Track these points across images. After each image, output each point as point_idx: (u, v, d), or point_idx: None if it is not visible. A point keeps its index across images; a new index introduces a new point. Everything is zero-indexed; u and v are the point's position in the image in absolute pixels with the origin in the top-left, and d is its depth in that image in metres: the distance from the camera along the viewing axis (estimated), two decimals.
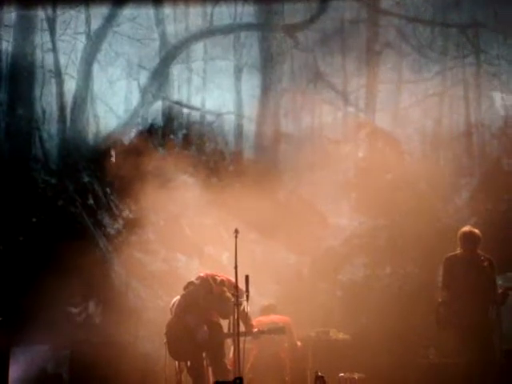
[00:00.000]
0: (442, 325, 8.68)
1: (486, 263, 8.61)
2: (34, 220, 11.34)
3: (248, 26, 11.52)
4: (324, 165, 10.48)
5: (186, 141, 11.27)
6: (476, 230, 8.71)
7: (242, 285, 7.70)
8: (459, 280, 8.63)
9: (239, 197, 10.24)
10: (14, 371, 9.48)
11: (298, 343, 9.35)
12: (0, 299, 10.23)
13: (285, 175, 10.87)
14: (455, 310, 8.56)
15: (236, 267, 7.64)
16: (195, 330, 8.11)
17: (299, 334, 9.49)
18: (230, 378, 7.75)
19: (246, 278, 7.69)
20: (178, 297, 8.41)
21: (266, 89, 11.42)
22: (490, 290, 8.60)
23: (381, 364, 9.65)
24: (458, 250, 8.75)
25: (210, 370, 8.19)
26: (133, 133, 11.44)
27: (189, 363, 8.16)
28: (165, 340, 8.33)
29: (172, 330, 8.24)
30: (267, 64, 11.45)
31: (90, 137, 11.48)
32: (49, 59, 11.58)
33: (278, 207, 10.61)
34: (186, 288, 8.37)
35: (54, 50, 11.58)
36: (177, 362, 8.36)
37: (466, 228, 8.76)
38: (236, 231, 7.71)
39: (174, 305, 8.43)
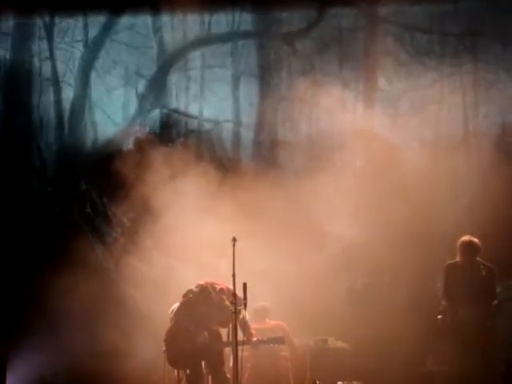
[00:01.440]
0: (441, 333, 8.69)
1: (484, 272, 8.63)
2: (32, 228, 11.31)
3: (246, 34, 11.54)
4: (322, 172, 10.46)
5: (184, 149, 11.24)
6: (475, 239, 8.73)
7: (240, 293, 7.68)
8: (457, 288, 8.67)
9: (237, 204, 10.22)
10: (12, 381, 9.46)
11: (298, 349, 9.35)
12: None
13: (283, 183, 10.84)
14: (454, 319, 8.56)
15: (234, 275, 7.61)
16: (195, 333, 8.07)
17: (297, 342, 9.47)
18: None
19: (244, 285, 7.67)
20: (177, 304, 8.39)
21: (263, 96, 11.42)
22: (487, 299, 8.60)
23: (379, 372, 9.64)
24: (458, 258, 8.76)
25: (209, 378, 8.17)
26: (130, 141, 11.44)
27: (188, 372, 8.13)
28: (164, 348, 8.29)
29: (171, 336, 8.20)
30: (265, 72, 11.46)
31: (88, 145, 11.49)
32: (46, 67, 11.60)
33: (277, 215, 10.59)
34: (185, 296, 8.35)
35: (52, 58, 11.60)
36: (176, 371, 8.32)
37: (466, 237, 8.79)
38: (234, 239, 7.66)
39: (172, 312, 8.40)
